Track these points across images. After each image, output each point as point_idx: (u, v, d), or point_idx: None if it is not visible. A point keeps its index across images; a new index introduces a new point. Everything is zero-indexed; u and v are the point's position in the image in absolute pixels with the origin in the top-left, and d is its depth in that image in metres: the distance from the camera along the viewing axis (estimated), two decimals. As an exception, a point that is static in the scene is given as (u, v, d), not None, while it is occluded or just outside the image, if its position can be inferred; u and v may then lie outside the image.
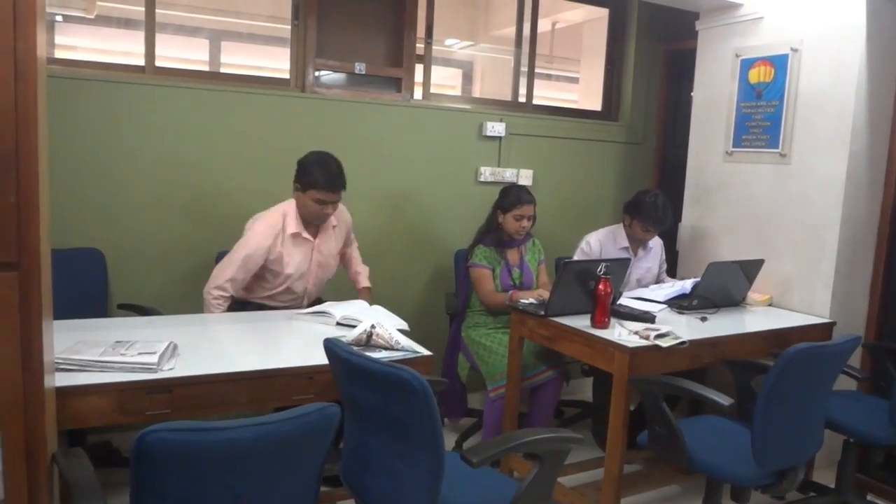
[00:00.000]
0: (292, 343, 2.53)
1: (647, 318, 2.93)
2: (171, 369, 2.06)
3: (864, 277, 3.42)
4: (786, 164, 3.47)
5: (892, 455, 3.26)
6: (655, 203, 3.52)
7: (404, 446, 1.78)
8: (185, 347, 2.27)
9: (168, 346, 2.15)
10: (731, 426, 2.68)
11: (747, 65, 3.66)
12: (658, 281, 3.78)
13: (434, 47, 4.03)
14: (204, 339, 2.48)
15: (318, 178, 2.80)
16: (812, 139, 3.37)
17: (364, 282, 3.32)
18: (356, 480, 1.94)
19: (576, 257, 3.65)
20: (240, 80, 3.56)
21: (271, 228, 2.90)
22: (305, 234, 2.93)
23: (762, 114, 3.58)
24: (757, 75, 3.61)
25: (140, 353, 2.07)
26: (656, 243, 3.78)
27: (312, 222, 2.94)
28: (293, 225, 2.90)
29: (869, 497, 3.19)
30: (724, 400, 2.28)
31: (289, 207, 2.94)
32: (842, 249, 3.29)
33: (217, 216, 3.37)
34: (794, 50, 3.43)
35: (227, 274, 2.85)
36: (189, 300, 3.07)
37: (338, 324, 2.65)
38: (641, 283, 3.68)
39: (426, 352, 2.33)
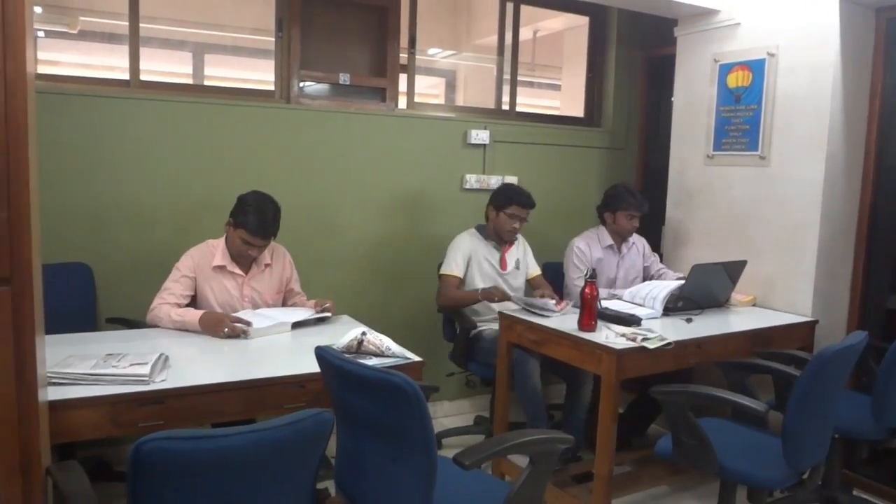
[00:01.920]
0: (283, 352, 2.54)
1: (634, 320, 2.97)
2: (163, 381, 2.08)
3: (845, 276, 3.49)
4: (765, 166, 3.54)
5: (875, 450, 3.31)
6: (628, 189, 3.68)
7: (397, 451, 1.80)
8: (175, 359, 2.28)
9: (159, 358, 2.17)
10: (735, 427, 2.69)
11: (725, 70, 3.73)
12: (651, 275, 3.82)
13: (417, 57, 4.07)
14: (194, 351, 2.48)
15: (250, 221, 2.77)
16: (790, 141, 3.44)
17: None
18: (350, 486, 1.96)
19: (573, 261, 3.68)
20: (224, 93, 3.58)
21: (200, 252, 2.89)
22: (231, 268, 2.88)
23: (741, 117, 3.65)
24: (735, 80, 3.68)
25: (132, 365, 2.08)
26: (637, 239, 3.84)
27: (237, 259, 2.90)
28: (219, 258, 2.87)
29: (855, 492, 3.24)
30: (761, 406, 2.29)
31: (217, 242, 2.92)
32: (822, 249, 3.35)
33: (203, 229, 3.36)
34: (771, 55, 3.50)
35: (163, 294, 2.81)
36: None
37: (293, 325, 2.71)
38: (628, 279, 3.73)
39: (417, 358, 2.35)
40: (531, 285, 3.69)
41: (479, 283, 3.51)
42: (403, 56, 3.99)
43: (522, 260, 3.68)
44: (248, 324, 2.63)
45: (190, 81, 4.25)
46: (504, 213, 3.49)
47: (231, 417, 2.14)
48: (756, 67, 3.58)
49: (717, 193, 3.79)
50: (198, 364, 2.36)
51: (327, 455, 1.97)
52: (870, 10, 3.34)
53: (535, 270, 3.75)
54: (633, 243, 3.82)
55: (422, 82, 4.20)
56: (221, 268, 2.87)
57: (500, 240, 3.59)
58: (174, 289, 2.81)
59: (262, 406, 2.20)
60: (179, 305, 2.79)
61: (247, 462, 1.43)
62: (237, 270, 2.89)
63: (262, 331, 2.64)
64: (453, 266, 3.50)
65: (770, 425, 2.68)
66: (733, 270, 3.45)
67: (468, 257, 3.53)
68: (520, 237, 3.66)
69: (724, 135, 3.74)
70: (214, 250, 2.90)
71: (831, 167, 3.32)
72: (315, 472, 1.63)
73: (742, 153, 3.65)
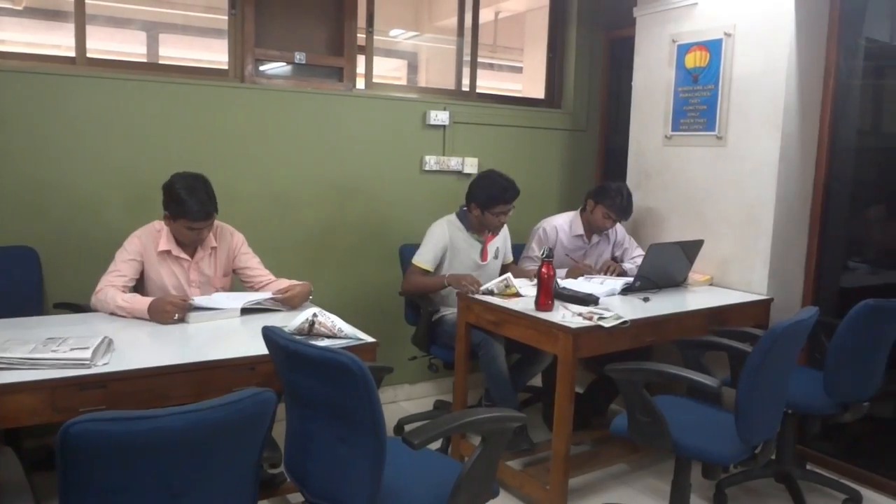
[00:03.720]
0: (233, 334, 2.49)
1: (591, 300, 2.97)
2: (105, 364, 2.02)
3: (799, 255, 3.53)
4: (722, 146, 3.56)
5: (827, 425, 3.37)
6: (620, 191, 3.59)
7: (345, 432, 1.77)
8: (121, 342, 2.22)
9: (102, 341, 2.10)
10: (690, 404, 2.71)
11: (683, 50, 3.73)
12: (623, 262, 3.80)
13: (379, 38, 4.00)
14: (141, 334, 2.42)
15: (190, 209, 2.64)
16: (746, 122, 3.46)
17: (286, 282, 2.96)
18: (299, 468, 1.93)
19: (533, 244, 3.68)
20: (176, 71, 3.48)
21: (147, 234, 2.78)
22: (177, 253, 2.78)
23: (699, 98, 3.66)
24: (693, 60, 3.69)
25: (73, 349, 2.01)
26: (613, 230, 3.81)
27: (182, 244, 2.80)
28: (164, 242, 2.76)
29: (808, 466, 3.30)
30: (713, 382, 2.29)
31: (162, 225, 2.79)
32: (777, 228, 3.38)
33: (154, 212, 3.27)
34: (728, 35, 3.51)
35: (110, 276, 2.71)
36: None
37: (242, 310, 2.62)
38: (596, 268, 3.72)
39: (370, 339, 2.32)
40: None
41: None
42: (362, 37, 3.93)
43: (502, 248, 3.63)
44: (191, 301, 2.56)
45: (144, 61, 4.13)
46: (490, 212, 3.33)
47: (178, 401, 2.08)
48: (713, 48, 3.58)
49: (675, 174, 3.80)
50: (143, 347, 2.30)
51: (274, 438, 1.94)
52: (824, -9, 3.37)
53: (510, 258, 3.72)
54: (606, 234, 3.79)
55: (383, 64, 4.15)
56: (167, 252, 2.78)
57: (483, 231, 3.48)
58: (122, 270, 2.72)
59: (210, 389, 2.13)
60: (126, 288, 2.70)
61: (184, 444, 1.38)
62: (183, 255, 2.80)
63: (208, 315, 2.57)
64: (425, 256, 3.38)
65: (724, 402, 2.71)
66: (690, 250, 3.47)
67: (444, 249, 3.40)
68: None
69: (682, 115, 3.75)
70: (159, 234, 2.80)
71: (786, 147, 3.34)
72: (258, 455, 1.59)
73: (699, 133, 3.66)
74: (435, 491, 1.86)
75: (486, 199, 3.33)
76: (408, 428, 3.55)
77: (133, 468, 1.36)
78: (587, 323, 2.68)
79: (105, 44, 4.05)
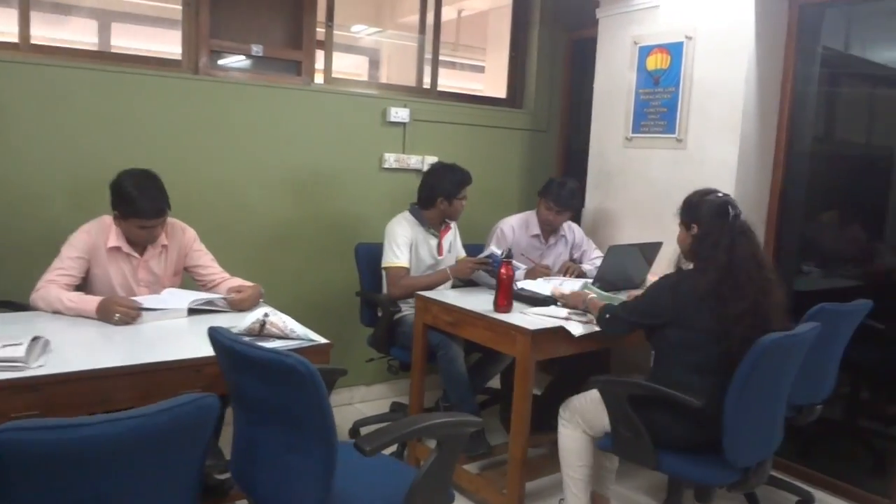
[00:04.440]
0: (179, 335, 2.38)
1: (550, 301, 2.94)
2: (40, 366, 1.91)
3: (756, 258, 3.55)
4: (682, 149, 3.56)
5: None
6: (563, 184, 3.59)
7: (294, 438, 1.70)
8: (59, 343, 2.11)
9: (37, 342, 1.99)
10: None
11: (645, 52, 3.73)
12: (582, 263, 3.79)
13: (340, 33, 3.92)
14: (81, 334, 2.30)
15: (141, 207, 2.53)
16: (706, 124, 3.47)
17: (238, 281, 2.86)
18: (246, 476, 1.85)
19: (492, 244, 3.64)
20: (126, 60, 3.36)
21: (97, 229, 2.65)
22: (128, 250, 2.65)
23: (659, 100, 3.66)
24: (654, 62, 3.69)
25: (4, 347, 1.90)
26: (570, 231, 3.80)
27: (139, 244, 2.68)
28: (114, 239, 2.63)
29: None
30: (696, 401, 2.19)
31: (111, 220, 2.66)
32: (734, 231, 3.39)
33: (101, 207, 3.14)
34: (689, 38, 3.52)
35: (53, 273, 2.57)
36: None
37: (190, 310, 2.52)
38: (553, 270, 3.69)
39: (322, 340, 2.25)
40: None
41: (413, 272, 3.38)
42: (321, 31, 3.84)
43: (453, 243, 3.60)
44: (140, 307, 2.45)
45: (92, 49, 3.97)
46: (457, 198, 3.37)
47: (120, 406, 1.98)
48: (674, 50, 3.59)
49: (635, 175, 3.80)
50: (83, 348, 2.19)
51: (219, 445, 1.86)
52: (783, -3, 3.40)
53: (462, 253, 3.69)
54: (563, 235, 3.77)
55: (344, 60, 4.07)
56: (116, 249, 2.65)
57: (438, 225, 3.46)
58: (67, 267, 2.58)
59: (155, 393, 2.03)
60: (70, 287, 2.57)
61: (118, 454, 1.30)
62: (133, 252, 2.68)
63: (154, 315, 2.46)
64: (399, 255, 3.31)
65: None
66: (649, 252, 3.46)
67: (409, 244, 3.37)
68: None
69: (643, 117, 3.75)
70: (109, 230, 2.67)
71: (745, 150, 3.36)
72: (201, 463, 1.51)
73: (660, 135, 3.66)
74: (388, 499, 1.80)
75: (452, 187, 3.35)
76: (363, 431, 3.51)
77: (63, 479, 1.27)
78: (546, 324, 2.64)
79: (54, 31, 3.89)
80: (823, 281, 3.58)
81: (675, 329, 2.36)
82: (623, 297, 2.81)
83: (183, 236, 2.83)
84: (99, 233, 2.66)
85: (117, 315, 2.36)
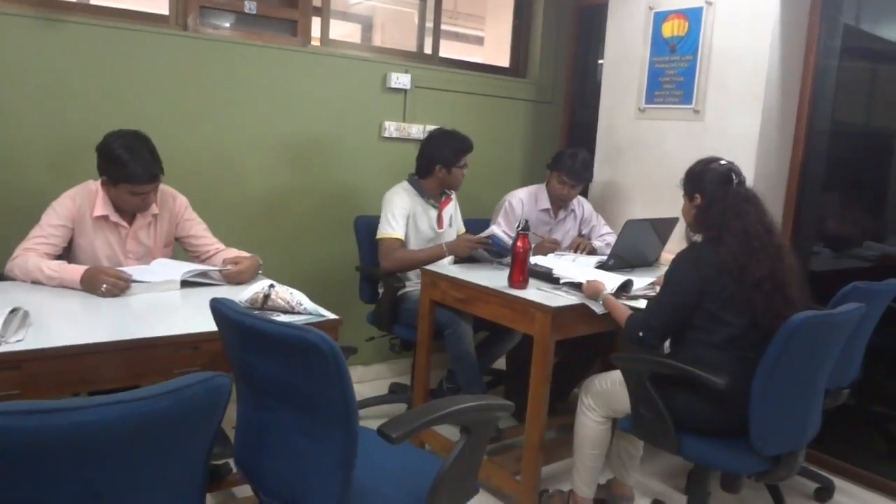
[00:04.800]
0: (173, 308, 2.19)
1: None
2: (19, 341, 1.70)
3: (774, 236, 3.41)
4: (699, 120, 3.40)
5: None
6: (575, 156, 3.41)
7: (310, 422, 1.51)
8: (39, 316, 1.90)
9: (15, 313, 1.78)
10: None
11: (661, 18, 3.55)
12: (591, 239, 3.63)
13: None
14: (63, 306, 2.09)
15: (133, 171, 2.31)
16: (725, 95, 3.30)
17: (234, 251, 2.66)
18: (252, 464, 1.66)
19: (499, 218, 3.47)
20: (108, 14, 3.10)
21: (82, 196, 2.42)
22: (115, 219, 2.44)
23: (675, 69, 3.49)
24: (670, 29, 3.51)
25: (-23, 322, 1.69)
26: (579, 206, 3.64)
27: (128, 212, 2.48)
28: (101, 207, 2.41)
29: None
30: (720, 379, 2.06)
31: (98, 186, 2.44)
32: (754, 207, 3.24)
33: (83, 170, 2.91)
34: (709, 3, 3.33)
35: (32, 241, 2.36)
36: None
37: (183, 282, 2.31)
38: (563, 246, 3.53)
39: (332, 315, 2.06)
40: None
41: (412, 245, 3.20)
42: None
43: (455, 216, 3.42)
44: (129, 278, 2.24)
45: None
46: (457, 167, 3.19)
47: (108, 386, 1.79)
48: (693, 16, 3.41)
49: (648, 148, 3.63)
50: (67, 321, 1.98)
51: (224, 428, 1.67)
52: (809, -37, 3.23)
53: (462, 228, 3.51)
54: (573, 210, 3.61)
55: (336, 29, 3.82)
56: (103, 218, 2.43)
57: (438, 195, 3.27)
58: (48, 236, 2.35)
59: (146, 372, 1.85)
60: (50, 257, 2.35)
61: (114, 441, 1.10)
62: (122, 221, 2.46)
63: (143, 287, 2.25)
64: (394, 226, 3.13)
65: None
66: (663, 228, 3.30)
67: (407, 216, 3.18)
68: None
69: (657, 87, 3.57)
70: (95, 196, 2.44)
71: (766, 123, 3.20)
72: (207, 452, 1.32)
73: (675, 106, 3.49)
74: (412, 491, 1.62)
75: (451, 155, 3.17)
76: (362, 412, 3.33)
77: (52, 470, 1.07)
78: (568, 300, 2.48)
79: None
80: (838, 261, 3.46)
81: (702, 303, 2.22)
82: (639, 280, 2.65)
83: (174, 204, 2.61)
84: (84, 200, 2.43)
85: (104, 286, 2.15)
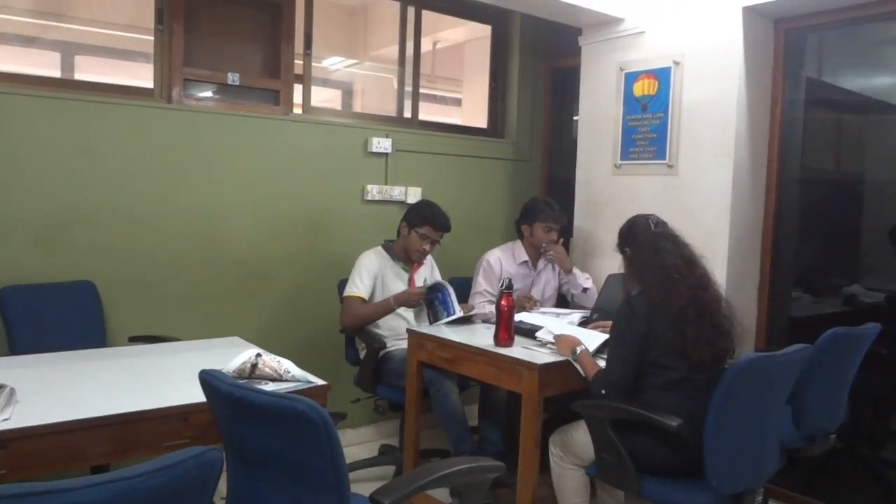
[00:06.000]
0: (161, 379, 2.19)
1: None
2: (6, 420, 1.69)
3: (753, 285, 3.47)
4: (674, 174, 3.49)
5: (791, 459, 3.27)
6: (548, 203, 3.56)
7: (301, 491, 1.51)
8: (25, 392, 1.89)
9: (2, 391, 1.77)
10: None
11: (631, 78, 3.68)
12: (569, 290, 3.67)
13: (313, 65, 3.79)
14: (50, 381, 2.09)
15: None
16: (697, 149, 3.40)
17: None
18: (243, 537, 1.65)
19: (479, 279, 3.50)
20: (95, 89, 3.17)
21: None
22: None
23: (648, 126, 3.60)
24: (641, 88, 3.63)
25: (-36, 401, 1.68)
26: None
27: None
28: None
29: (770, 503, 3.19)
30: (673, 421, 2.11)
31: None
32: (731, 258, 3.31)
33: (71, 241, 2.95)
34: (676, 63, 3.47)
35: None
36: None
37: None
38: (544, 297, 3.57)
39: (320, 381, 2.07)
40: None
41: None
42: (299, 62, 3.70)
43: (430, 278, 3.46)
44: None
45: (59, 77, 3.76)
46: (417, 231, 3.28)
47: (96, 462, 1.79)
48: (662, 75, 3.54)
49: (625, 203, 3.70)
50: (52, 396, 1.97)
51: (214, 501, 1.65)
52: (769, 21, 3.37)
53: None
54: (550, 262, 3.66)
55: (317, 95, 3.92)
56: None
57: (409, 259, 3.37)
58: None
59: (134, 446, 1.85)
60: None
61: (106, 523, 1.10)
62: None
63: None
64: (358, 285, 3.23)
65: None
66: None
67: (374, 277, 3.28)
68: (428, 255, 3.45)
69: (632, 143, 3.68)
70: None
71: (738, 174, 3.30)
72: (200, 526, 1.31)
73: (650, 162, 3.59)
74: (406, 557, 1.61)
75: (417, 218, 3.31)
76: (353, 477, 3.29)
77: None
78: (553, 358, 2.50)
79: (13, 66, 3.68)
80: (815, 306, 3.53)
81: (648, 350, 2.30)
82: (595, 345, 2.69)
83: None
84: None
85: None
